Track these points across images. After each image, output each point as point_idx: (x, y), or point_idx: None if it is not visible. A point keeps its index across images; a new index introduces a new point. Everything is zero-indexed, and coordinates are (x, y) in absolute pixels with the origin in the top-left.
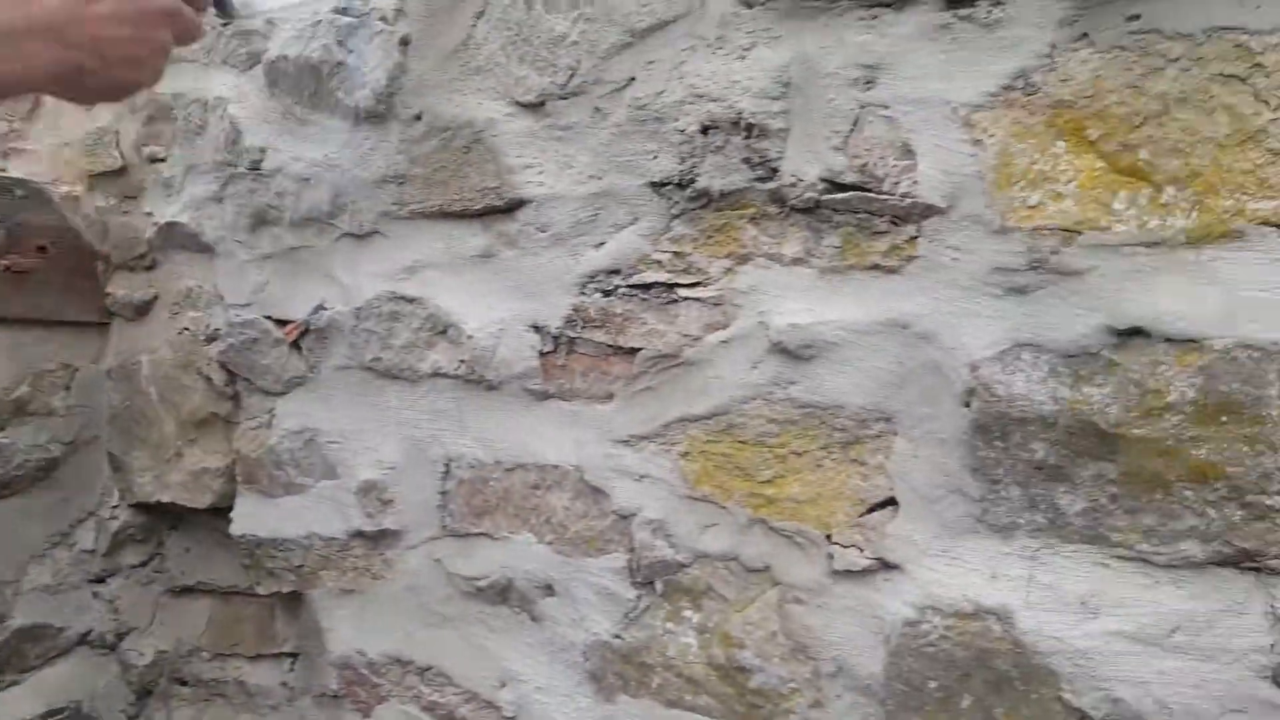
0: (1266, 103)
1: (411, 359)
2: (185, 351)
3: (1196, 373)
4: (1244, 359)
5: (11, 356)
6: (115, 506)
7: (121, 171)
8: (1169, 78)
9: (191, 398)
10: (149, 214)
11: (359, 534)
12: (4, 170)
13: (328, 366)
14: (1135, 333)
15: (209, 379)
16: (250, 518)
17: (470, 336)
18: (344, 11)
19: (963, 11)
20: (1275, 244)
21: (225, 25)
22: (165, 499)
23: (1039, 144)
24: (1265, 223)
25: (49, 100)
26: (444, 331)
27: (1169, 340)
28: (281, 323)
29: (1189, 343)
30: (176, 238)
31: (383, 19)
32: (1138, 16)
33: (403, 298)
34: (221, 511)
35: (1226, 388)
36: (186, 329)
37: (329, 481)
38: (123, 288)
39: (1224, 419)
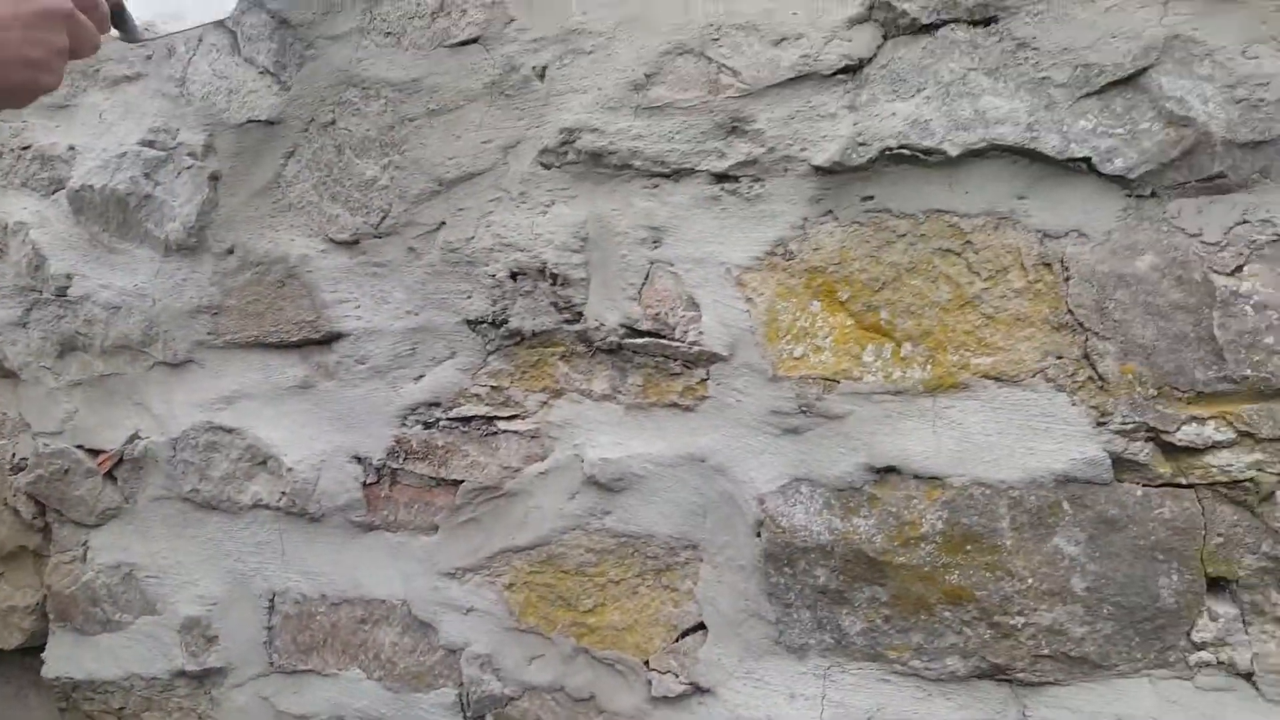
0: (978, 274)
1: (231, 490)
2: None
3: (942, 507)
4: (979, 495)
5: None
6: None
7: None
8: (899, 250)
9: None
10: None
11: (182, 673)
12: None
13: (144, 498)
14: (890, 470)
15: (16, 510)
16: (65, 659)
17: (291, 469)
18: (150, 145)
19: (729, 186)
20: (995, 394)
21: (130, 45)
22: None
23: (799, 303)
24: (986, 376)
25: None
26: (264, 463)
27: (917, 477)
28: (94, 452)
29: (934, 479)
30: None
31: (191, 154)
32: (871, 197)
33: (220, 428)
34: (33, 651)
35: (968, 520)
36: None
37: (149, 618)
38: None
39: (968, 548)
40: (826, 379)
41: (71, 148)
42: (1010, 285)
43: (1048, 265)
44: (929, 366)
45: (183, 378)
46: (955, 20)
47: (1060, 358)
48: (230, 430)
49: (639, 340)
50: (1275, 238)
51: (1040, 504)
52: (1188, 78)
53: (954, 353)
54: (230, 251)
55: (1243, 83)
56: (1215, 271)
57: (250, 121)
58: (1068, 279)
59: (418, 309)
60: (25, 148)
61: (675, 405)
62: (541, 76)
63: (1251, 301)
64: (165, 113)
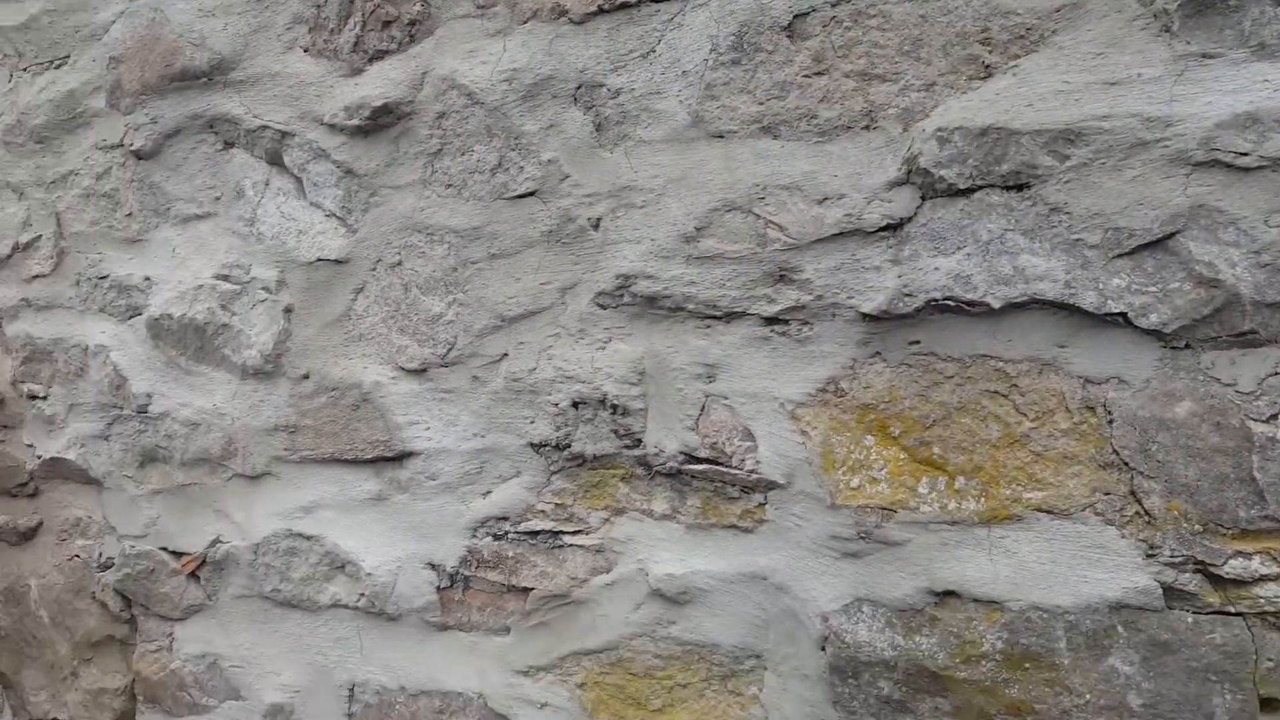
0: (1025, 415)
1: (311, 591)
2: (77, 577)
3: (1001, 628)
4: (1036, 618)
5: None
6: None
7: None
8: (947, 390)
9: (86, 621)
10: (30, 445)
11: None
12: None
13: (226, 595)
14: (950, 594)
15: (104, 604)
16: None
17: (369, 573)
18: (225, 279)
19: (779, 328)
20: (1048, 526)
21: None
22: (63, 718)
23: (853, 437)
24: (1038, 509)
25: None
26: (342, 567)
27: (976, 601)
28: (177, 554)
29: (992, 603)
30: (62, 470)
31: (265, 288)
32: (918, 341)
33: (300, 535)
34: None
35: (1026, 640)
36: (77, 556)
37: (234, 703)
38: (3, 514)
39: (1027, 665)
40: (884, 508)
41: (147, 278)
42: (1057, 426)
43: (1091, 409)
44: (982, 499)
45: (261, 489)
46: (990, 185)
47: (1108, 494)
48: (309, 537)
49: (697, 466)
50: None
51: (1095, 627)
52: (1214, 243)
53: (1006, 486)
54: (306, 377)
55: (1267, 249)
56: (1251, 419)
57: (320, 260)
58: (1111, 421)
59: (484, 432)
60: (103, 277)
61: (734, 527)
62: (596, 226)
63: None
64: (237, 249)
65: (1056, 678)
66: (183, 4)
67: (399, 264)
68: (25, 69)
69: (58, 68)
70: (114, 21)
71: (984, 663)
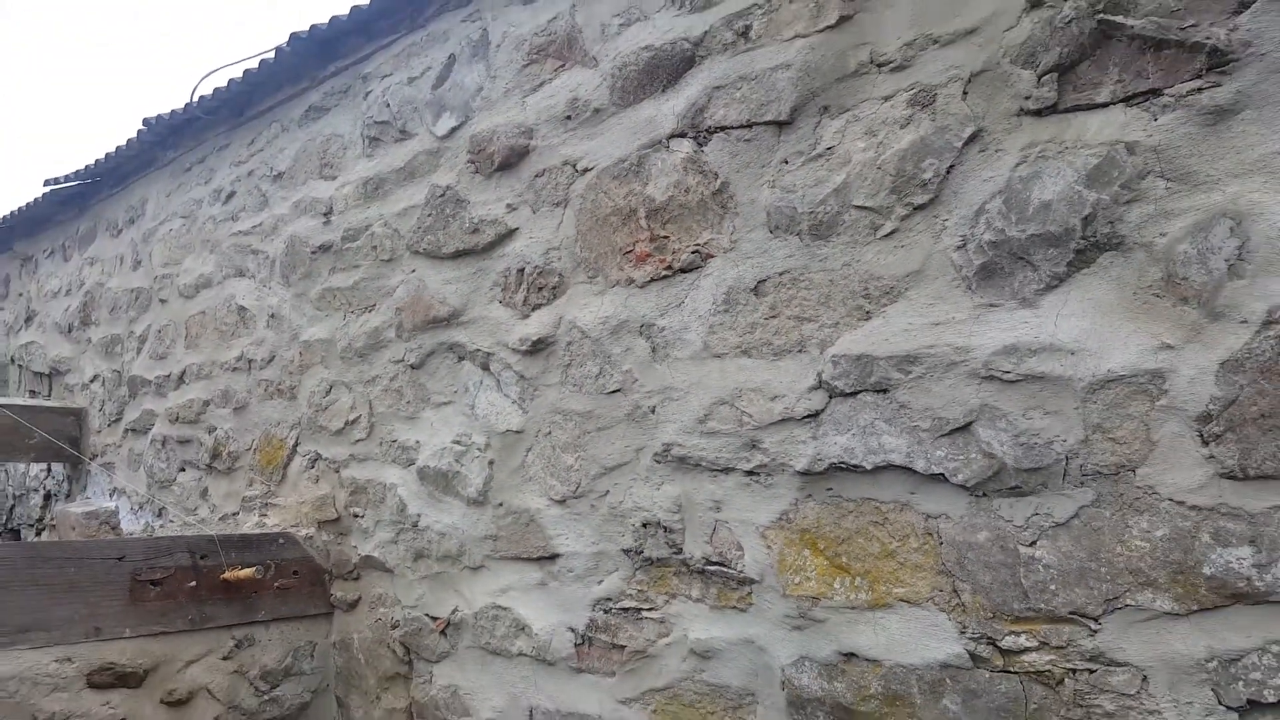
0: (893, 538)
1: (506, 644)
2: (379, 633)
3: (881, 678)
4: (899, 672)
5: (280, 641)
6: None
7: (336, 520)
8: (850, 520)
9: (384, 662)
10: (355, 546)
11: None
12: (265, 519)
13: (461, 646)
14: (852, 655)
15: (394, 651)
16: None
17: (536, 633)
18: (458, 443)
19: (754, 477)
20: (907, 611)
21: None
22: None
23: (797, 550)
24: (901, 600)
25: (292, 472)
26: (523, 629)
27: (866, 660)
28: (434, 618)
29: (875, 662)
30: (371, 563)
31: (479, 449)
32: (832, 488)
33: (500, 607)
34: None
35: (895, 687)
36: (379, 619)
37: (465, 718)
38: (339, 591)
39: (897, 703)
40: (813, 598)
41: (418, 442)
42: (911, 546)
43: (930, 535)
44: (870, 593)
45: (478, 576)
46: (866, 389)
47: (941, 591)
48: (505, 609)
49: (713, 568)
50: (1053, 524)
51: (933, 679)
52: (993, 429)
53: (883, 585)
54: (500, 505)
55: (1023, 434)
56: (1020, 544)
57: (508, 430)
58: (941, 544)
59: (597, 541)
60: (394, 441)
61: (735, 607)
62: (653, 411)
63: (1042, 563)
64: (464, 425)
65: (913, 712)
66: (434, 276)
67: (550, 433)
68: (353, 311)
69: (369, 311)
70: (398, 286)
71: (873, 700)
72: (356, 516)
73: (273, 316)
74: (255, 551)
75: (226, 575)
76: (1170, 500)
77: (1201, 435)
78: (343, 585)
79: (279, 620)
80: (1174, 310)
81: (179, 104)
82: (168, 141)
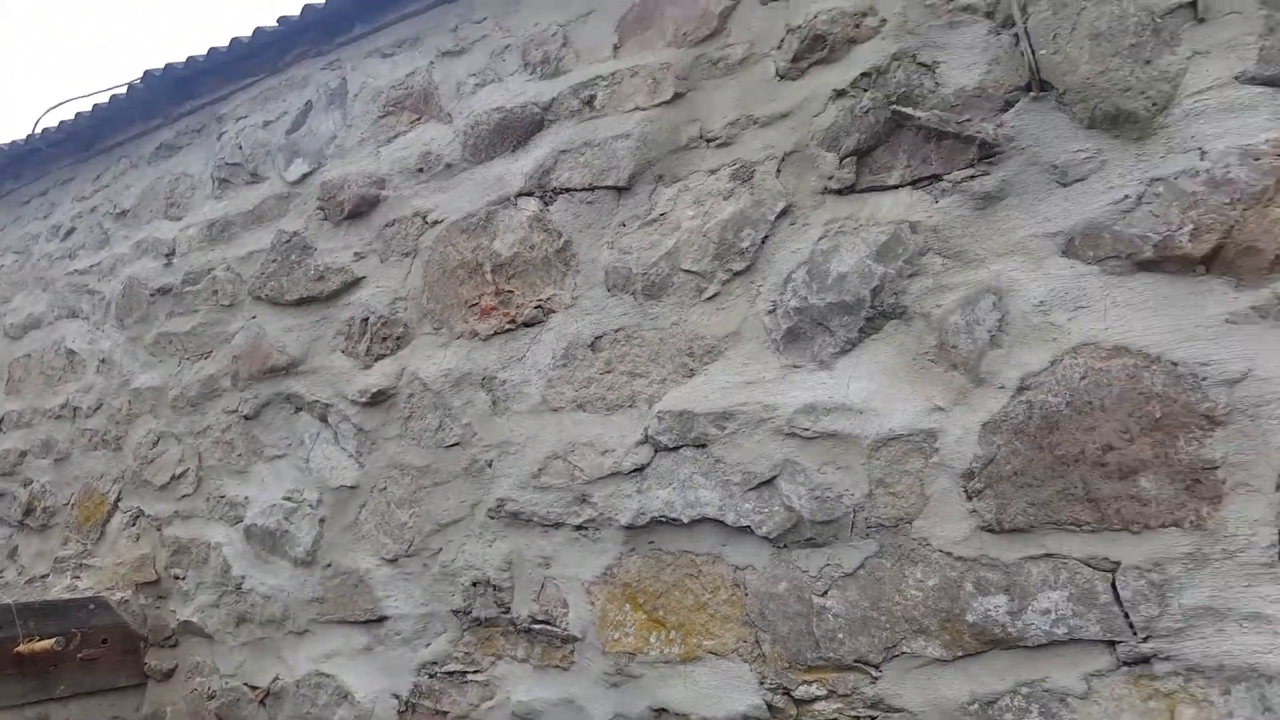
0: (706, 590)
1: (328, 713)
2: (194, 705)
3: None
4: None
5: (81, 718)
6: None
7: (156, 582)
8: (668, 574)
9: None
10: (174, 611)
11: None
12: (78, 582)
13: (281, 717)
14: (663, 710)
15: None
16: None
17: (359, 700)
18: (288, 499)
19: (583, 532)
20: (715, 664)
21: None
22: None
23: (618, 605)
24: (710, 652)
25: (111, 530)
26: (346, 696)
27: (677, 714)
28: (253, 687)
29: (684, 716)
30: (190, 629)
31: (310, 505)
32: (653, 542)
33: (323, 674)
34: None
35: None
36: (195, 689)
37: None
38: (154, 660)
39: None
40: (630, 654)
41: (247, 498)
42: (721, 597)
43: (738, 585)
44: (682, 646)
45: (302, 641)
46: (687, 444)
47: (745, 642)
48: (328, 675)
49: (538, 626)
50: (842, 574)
51: None
52: (793, 484)
53: (694, 637)
54: (328, 565)
55: (817, 487)
56: (814, 594)
57: (342, 485)
58: (746, 595)
59: (427, 602)
60: (221, 496)
61: (558, 666)
62: (490, 465)
63: (832, 612)
64: (297, 479)
65: None
66: (275, 323)
67: (385, 489)
68: (188, 358)
69: (205, 358)
70: (237, 333)
71: None
72: (177, 578)
73: (103, 361)
74: (60, 619)
75: (20, 649)
76: (940, 551)
77: (966, 491)
78: (158, 653)
79: (80, 695)
80: (945, 375)
81: (21, 135)
82: (7, 171)
